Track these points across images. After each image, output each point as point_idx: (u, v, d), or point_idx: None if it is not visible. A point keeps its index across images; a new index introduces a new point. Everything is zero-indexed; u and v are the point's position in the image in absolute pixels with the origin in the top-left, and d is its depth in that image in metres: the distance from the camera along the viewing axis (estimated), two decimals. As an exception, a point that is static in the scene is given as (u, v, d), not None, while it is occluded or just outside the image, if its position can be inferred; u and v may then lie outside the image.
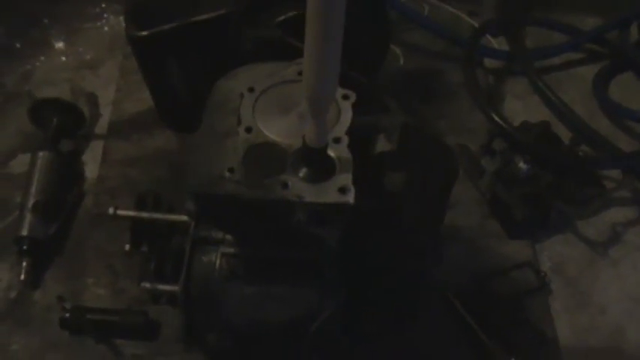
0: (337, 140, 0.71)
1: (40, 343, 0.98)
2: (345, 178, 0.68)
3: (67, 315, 0.95)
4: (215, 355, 0.85)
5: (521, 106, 1.28)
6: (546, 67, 1.34)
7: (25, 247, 1.04)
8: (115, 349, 0.96)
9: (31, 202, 1.07)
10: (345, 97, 0.75)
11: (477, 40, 1.28)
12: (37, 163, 1.11)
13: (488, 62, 1.34)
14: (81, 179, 1.16)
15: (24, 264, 1.03)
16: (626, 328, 1.03)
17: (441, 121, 1.22)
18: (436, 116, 1.22)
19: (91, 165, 1.18)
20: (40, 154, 1.12)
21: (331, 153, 0.70)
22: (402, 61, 1.28)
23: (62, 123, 1.17)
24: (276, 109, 0.74)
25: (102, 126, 1.23)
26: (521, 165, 1.09)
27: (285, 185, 0.68)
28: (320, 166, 0.69)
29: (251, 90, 0.76)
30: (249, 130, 0.72)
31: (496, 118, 1.13)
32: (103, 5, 1.40)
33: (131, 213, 0.86)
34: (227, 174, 0.69)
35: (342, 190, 0.67)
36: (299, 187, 0.68)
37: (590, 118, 1.25)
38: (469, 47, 1.26)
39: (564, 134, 1.18)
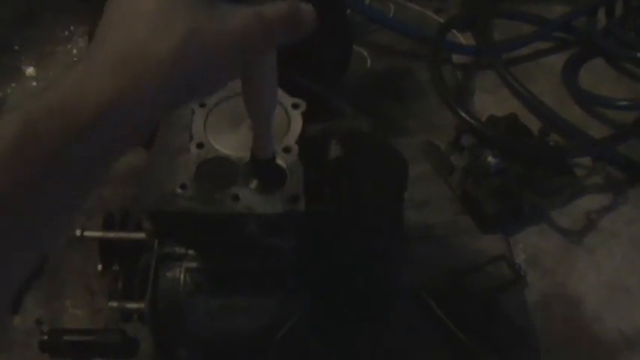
0: (287, 150, 0.72)
1: (21, 368, 0.99)
2: (296, 187, 0.69)
3: (45, 337, 0.96)
4: (188, 369, 0.86)
5: (491, 100, 1.28)
6: (515, 59, 1.34)
7: (2, 274, 1.05)
8: (94, 368, 0.97)
9: (6, 228, 1.08)
10: (295, 106, 0.75)
11: (442, 36, 1.28)
12: (11, 189, 1.12)
13: (457, 58, 1.35)
14: (56, 202, 1.17)
15: (2, 290, 1.04)
16: (605, 317, 1.02)
17: (410, 120, 1.22)
18: (405, 116, 1.23)
19: (66, 187, 1.18)
20: (14, 179, 1.13)
21: (281, 163, 0.71)
22: (369, 63, 1.29)
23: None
24: (228, 123, 0.75)
25: (75, 147, 1.24)
26: (490, 159, 1.09)
27: (235, 198, 0.68)
28: (270, 177, 0.70)
29: (202, 105, 0.77)
30: (200, 145, 0.73)
31: (462, 114, 1.13)
32: (72, 28, 1.41)
33: (97, 234, 0.87)
34: (179, 190, 0.69)
35: (293, 200, 0.68)
36: (250, 199, 0.69)
37: (560, 107, 1.26)
38: (435, 44, 1.26)
39: (535, 125, 1.18)
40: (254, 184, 0.69)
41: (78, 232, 0.87)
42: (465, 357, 0.95)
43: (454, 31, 1.35)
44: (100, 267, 0.88)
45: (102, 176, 0.47)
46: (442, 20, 1.36)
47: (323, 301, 0.79)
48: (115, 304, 0.82)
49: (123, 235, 0.87)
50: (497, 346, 0.96)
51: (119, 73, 0.43)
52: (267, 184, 0.69)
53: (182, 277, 0.79)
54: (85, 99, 0.42)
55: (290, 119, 0.74)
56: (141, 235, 0.87)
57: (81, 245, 1.07)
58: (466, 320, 0.97)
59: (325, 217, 0.75)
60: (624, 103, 1.25)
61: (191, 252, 0.79)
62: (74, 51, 1.38)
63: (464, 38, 1.36)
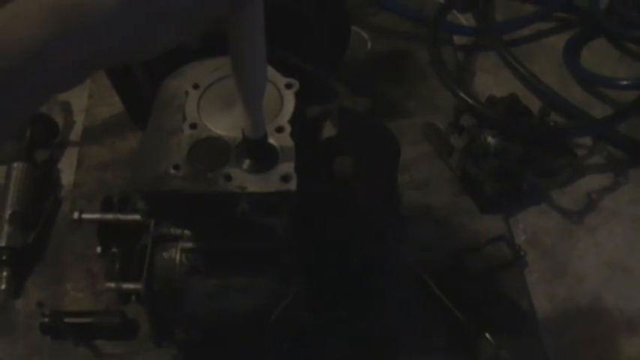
0: (280, 129, 0.72)
1: (23, 350, 1.00)
2: (288, 167, 0.69)
3: (47, 320, 0.97)
4: (186, 349, 0.87)
5: (491, 81, 1.28)
6: (517, 39, 1.34)
7: (4, 258, 1.06)
8: (95, 350, 0.98)
9: (8, 212, 1.09)
10: (288, 86, 0.75)
11: (441, 17, 1.27)
12: (12, 175, 1.13)
13: (458, 39, 1.34)
14: (58, 187, 1.17)
15: (4, 274, 1.05)
16: (604, 296, 1.02)
17: (411, 101, 1.22)
18: (406, 97, 1.22)
19: (68, 172, 1.19)
20: (15, 165, 1.14)
21: (274, 142, 0.70)
22: (369, 45, 1.28)
23: (36, 134, 1.19)
24: (221, 104, 0.74)
25: (77, 133, 1.24)
26: (490, 139, 1.08)
27: (228, 177, 0.68)
28: (262, 157, 0.69)
29: (196, 87, 0.76)
30: (193, 126, 0.73)
31: (462, 94, 1.12)
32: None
33: (95, 216, 0.88)
34: (172, 171, 0.70)
35: (285, 179, 0.68)
36: (242, 178, 0.69)
37: (562, 87, 1.25)
38: (434, 25, 1.25)
39: (537, 106, 1.17)
40: (247, 163, 0.69)
41: (76, 215, 0.88)
42: (463, 337, 0.95)
43: (455, 11, 1.34)
44: (99, 249, 0.89)
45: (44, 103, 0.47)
46: (442, 1, 1.35)
47: (319, 280, 0.80)
48: (112, 285, 0.83)
49: (121, 217, 0.87)
50: (497, 326, 0.95)
51: (51, 21, 0.43)
52: (260, 163, 0.69)
53: (178, 257, 0.79)
54: (11, 44, 0.42)
55: (283, 99, 0.74)
56: (138, 217, 0.87)
57: (82, 228, 1.08)
58: (465, 300, 0.97)
59: (318, 196, 0.75)
60: (626, 82, 1.24)
61: (187, 232, 0.79)
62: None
63: (464, 19, 1.35)
